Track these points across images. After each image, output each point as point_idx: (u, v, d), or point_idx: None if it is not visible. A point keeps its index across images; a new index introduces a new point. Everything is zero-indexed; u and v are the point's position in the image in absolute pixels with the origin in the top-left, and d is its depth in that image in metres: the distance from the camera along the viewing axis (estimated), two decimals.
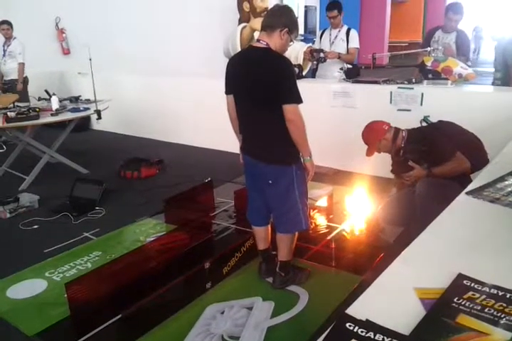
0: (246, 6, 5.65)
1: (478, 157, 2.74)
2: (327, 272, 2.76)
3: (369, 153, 2.91)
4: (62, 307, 2.40)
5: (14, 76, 6.25)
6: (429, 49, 4.31)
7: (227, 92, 2.43)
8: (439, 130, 2.89)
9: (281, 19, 2.24)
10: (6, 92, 6.04)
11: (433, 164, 2.73)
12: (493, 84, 5.23)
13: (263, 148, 2.34)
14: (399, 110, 4.07)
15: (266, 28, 2.26)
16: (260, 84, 2.19)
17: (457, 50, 4.32)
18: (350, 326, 0.88)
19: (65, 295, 2.31)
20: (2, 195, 3.94)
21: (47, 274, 2.85)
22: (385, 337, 0.84)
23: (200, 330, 2.25)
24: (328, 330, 0.87)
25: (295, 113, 2.15)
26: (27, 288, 2.70)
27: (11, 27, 6.11)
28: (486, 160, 2.69)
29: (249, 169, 2.50)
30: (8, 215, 3.74)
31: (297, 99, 2.15)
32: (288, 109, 2.14)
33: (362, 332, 0.86)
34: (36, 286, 2.72)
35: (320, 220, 3.26)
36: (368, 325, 0.88)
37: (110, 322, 2.27)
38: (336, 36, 4.88)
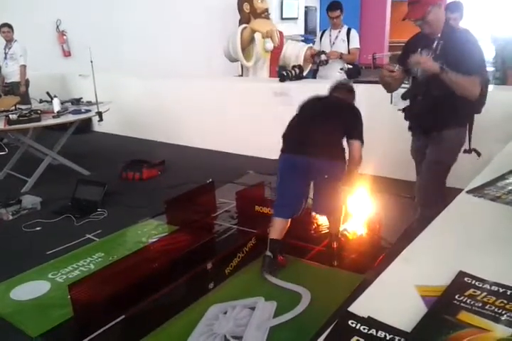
0: (246, 7, 5.66)
1: (481, 99, 2.59)
2: (329, 272, 2.76)
3: (414, 13, 2.46)
4: (65, 308, 2.41)
5: (15, 78, 6.26)
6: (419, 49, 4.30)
7: None
8: (476, 47, 2.52)
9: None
10: (8, 95, 6.07)
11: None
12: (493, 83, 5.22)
13: (327, 149, 2.67)
14: (399, 110, 4.06)
15: None
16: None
17: None
18: (352, 323, 0.88)
19: (68, 297, 2.32)
20: (4, 197, 3.96)
21: (50, 276, 2.86)
22: (387, 334, 0.85)
23: (202, 330, 2.25)
24: (330, 328, 0.88)
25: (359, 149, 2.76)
26: (30, 289, 2.71)
27: (12, 30, 6.13)
28: (479, 109, 2.73)
29: (297, 168, 2.73)
30: (10, 217, 3.75)
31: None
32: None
33: (364, 329, 0.87)
34: (39, 288, 2.73)
35: (322, 220, 3.27)
36: (370, 322, 0.88)
37: (113, 323, 2.28)
38: (337, 37, 4.89)
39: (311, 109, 2.88)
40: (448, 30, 2.49)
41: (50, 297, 2.64)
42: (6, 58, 6.29)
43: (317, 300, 2.44)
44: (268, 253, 2.70)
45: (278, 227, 2.77)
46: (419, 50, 2.55)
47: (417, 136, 2.89)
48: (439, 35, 2.49)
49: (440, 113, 2.59)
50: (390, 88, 2.84)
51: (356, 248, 2.99)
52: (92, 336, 2.23)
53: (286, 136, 2.82)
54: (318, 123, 2.75)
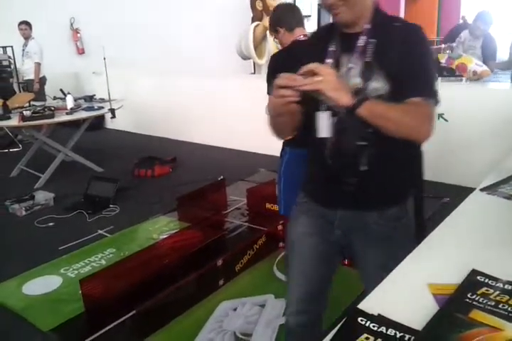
0: (259, 4, 5.66)
1: None
2: (340, 270, 2.74)
3: None
4: (76, 303, 2.43)
5: (32, 76, 6.33)
6: (443, 46, 4.28)
7: None
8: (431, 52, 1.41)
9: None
10: (23, 92, 6.13)
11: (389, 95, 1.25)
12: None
13: None
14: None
15: None
16: None
17: (483, 53, 4.30)
18: (362, 321, 0.87)
19: (80, 292, 2.34)
20: (18, 193, 4.00)
21: (62, 271, 2.88)
22: (397, 332, 0.84)
23: (212, 327, 2.26)
24: (339, 325, 0.87)
25: None
26: (42, 284, 2.74)
27: (30, 27, 6.18)
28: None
29: None
30: (23, 213, 3.79)
31: None
32: None
33: (374, 326, 0.86)
34: (51, 283, 2.75)
35: None
36: (380, 319, 0.87)
37: (124, 318, 2.29)
38: None
39: None
40: (381, 18, 1.33)
41: (62, 292, 2.66)
42: (23, 56, 6.36)
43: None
44: None
45: None
46: (328, 58, 1.33)
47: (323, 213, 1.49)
48: (365, 26, 1.30)
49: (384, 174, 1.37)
50: (281, 128, 1.46)
51: None
52: (103, 331, 2.25)
53: None
54: None
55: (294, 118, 1.36)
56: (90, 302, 2.33)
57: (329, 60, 1.33)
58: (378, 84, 1.25)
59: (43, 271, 2.90)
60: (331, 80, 1.14)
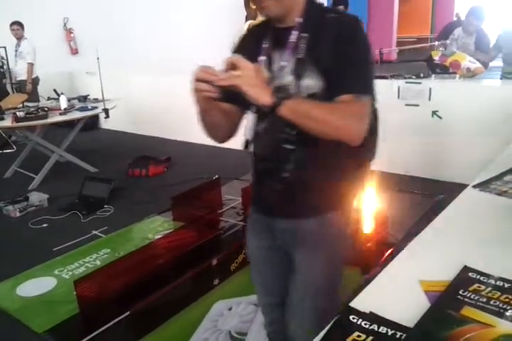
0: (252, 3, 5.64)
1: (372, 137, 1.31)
2: None
3: None
4: (71, 304, 2.42)
5: (25, 76, 6.29)
6: (437, 43, 4.29)
7: None
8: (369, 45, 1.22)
9: None
10: (16, 92, 6.10)
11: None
12: (501, 78, 5.17)
13: None
14: (407, 105, 4.04)
15: None
16: None
17: (476, 48, 4.31)
18: (353, 319, 0.87)
19: (74, 293, 2.33)
20: (12, 194, 3.99)
21: (56, 272, 2.87)
22: (389, 330, 0.83)
23: (207, 326, 2.25)
24: (331, 323, 0.87)
25: None
26: (36, 285, 2.73)
27: (22, 27, 6.14)
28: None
29: None
30: (18, 214, 3.77)
31: None
32: None
33: (365, 324, 0.85)
34: (45, 284, 2.74)
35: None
36: (372, 317, 0.87)
37: (119, 318, 2.28)
38: None
39: None
40: (315, 11, 1.22)
41: (56, 293, 2.65)
42: (16, 56, 6.33)
43: None
44: None
45: None
46: (261, 55, 1.24)
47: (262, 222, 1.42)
48: (297, 19, 1.20)
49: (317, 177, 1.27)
50: (210, 128, 1.33)
51: (363, 244, 2.97)
52: (98, 332, 2.24)
53: None
54: None
55: (228, 119, 1.26)
56: (85, 304, 2.32)
57: (262, 57, 1.23)
58: (311, 82, 1.16)
59: (37, 272, 2.88)
60: (249, 75, 1.04)
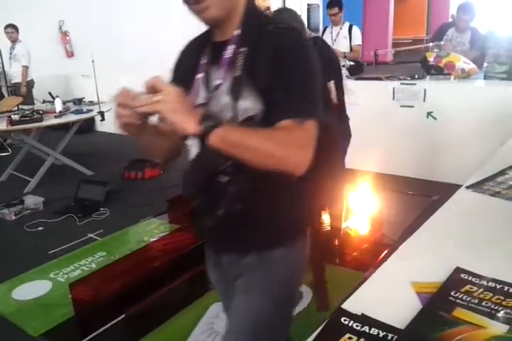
0: None
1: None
2: (331, 269, 2.74)
3: None
4: (66, 307, 2.42)
5: (19, 79, 6.27)
6: (431, 44, 4.30)
7: None
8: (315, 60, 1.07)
9: None
10: (11, 95, 6.09)
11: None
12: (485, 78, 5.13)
13: None
14: (402, 106, 4.05)
15: None
16: None
17: (472, 47, 4.31)
18: (345, 320, 0.87)
19: (70, 296, 2.32)
20: (7, 198, 3.98)
21: (51, 275, 2.86)
22: (380, 331, 0.83)
23: (203, 329, 2.25)
24: (322, 325, 0.87)
25: None
26: (32, 289, 2.72)
27: (16, 30, 6.13)
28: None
29: None
30: (13, 217, 3.76)
31: None
32: None
33: (357, 326, 0.85)
34: (41, 287, 2.73)
35: (323, 218, 3.25)
36: (363, 319, 0.87)
37: (114, 321, 2.28)
38: (338, 33, 4.87)
39: None
40: (254, 21, 1.08)
41: (52, 296, 2.64)
42: (10, 59, 6.32)
43: None
44: None
45: None
46: (199, 72, 1.12)
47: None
48: (235, 32, 1.08)
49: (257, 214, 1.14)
50: (145, 150, 1.22)
51: (358, 245, 2.97)
52: (94, 335, 2.24)
53: None
54: None
55: (164, 141, 1.13)
56: (80, 307, 2.31)
57: (200, 75, 1.10)
58: (249, 104, 1.01)
59: (32, 275, 2.87)
60: (170, 100, 0.91)
